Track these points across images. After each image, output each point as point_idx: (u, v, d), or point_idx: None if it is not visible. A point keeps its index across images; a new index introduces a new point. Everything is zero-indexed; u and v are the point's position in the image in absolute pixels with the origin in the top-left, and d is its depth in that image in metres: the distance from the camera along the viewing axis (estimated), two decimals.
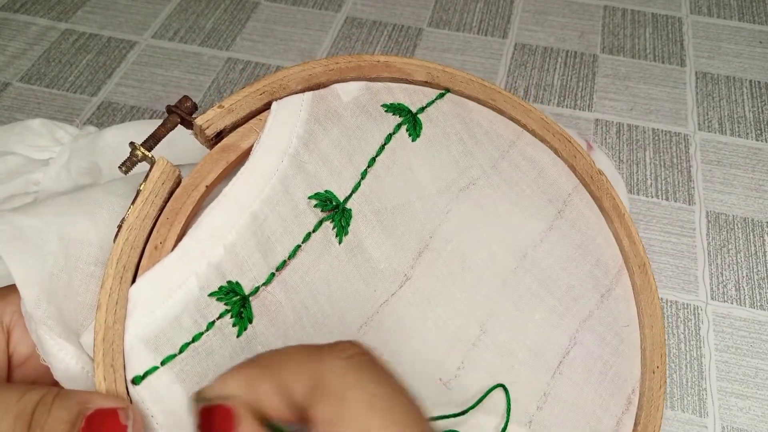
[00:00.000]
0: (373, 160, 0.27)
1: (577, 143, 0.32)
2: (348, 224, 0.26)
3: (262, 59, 0.51)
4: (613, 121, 0.46)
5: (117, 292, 0.22)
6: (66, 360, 0.22)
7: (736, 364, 0.35)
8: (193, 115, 0.25)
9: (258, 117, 0.26)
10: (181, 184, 0.24)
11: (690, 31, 0.52)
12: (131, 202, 0.23)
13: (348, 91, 0.28)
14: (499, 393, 0.27)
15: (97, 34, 0.52)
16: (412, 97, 0.29)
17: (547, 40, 0.52)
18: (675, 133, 0.45)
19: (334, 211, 0.26)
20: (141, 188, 0.23)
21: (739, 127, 0.46)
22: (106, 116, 0.47)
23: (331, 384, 0.18)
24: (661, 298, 0.37)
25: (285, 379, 0.18)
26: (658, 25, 0.53)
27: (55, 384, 0.22)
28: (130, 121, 0.48)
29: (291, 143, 0.26)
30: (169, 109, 0.25)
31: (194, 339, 0.22)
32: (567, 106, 0.47)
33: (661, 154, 0.44)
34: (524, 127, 0.31)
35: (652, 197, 0.42)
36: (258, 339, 0.24)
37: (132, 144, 0.24)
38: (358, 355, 0.18)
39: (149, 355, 0.22)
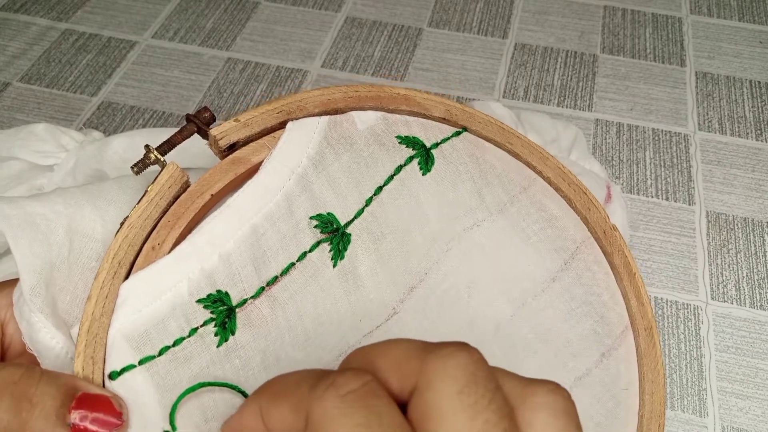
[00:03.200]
0: (380, 188, 0.27)
1: (593, 196, 0.31)
2: (345, 249, 0.26)
3: (262, 59, 0.51)
4: (613, 121, 0.46)
5: (108, 286, 0.22)
6: (56, 350, 0.23)
7: (736, 364, 0.35)
8: (210, 126, 0.26)
9: (272, 134, 0.26)
10: (188, 190, 0.24)
11: (690, 31, 0.52)
12: (137, 201, 0.23)
13: (365, 119, 0.28)
14: None
15: (97, 34, 0.52)
16: (428, 132, 0.29)
17: (547, 40, 0.52)
18: (675, 133, 0.45)
19: (334, 234, 0.26)
20: (149, 189, 0.24)
21: (739, 127, 0.46)
22: (106, 116, 0.47)
23: (323, 421, 0.16)
24: (662, 298, 0.37)
25: (284, 409, 0.18)
26: (658, 25, 0.53)
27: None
28: (129, 121, 0.48)
29: (301, 163, 0.26)
30: (188, 118, 0.26)
31: (175, 343, 0.23)
32: (567, 106, 0.47)
33: (661, 154, 0.44)
34: (539, 173, 0.31)
35: (652, 197, 0.42)
36: (237, 352, 0.24)
37: (147, 147, 0.24)
38: (352, 393, 0.16)
39: (129, 352, 0.22)
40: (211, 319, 0.23)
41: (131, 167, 0.25)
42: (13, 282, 0.24)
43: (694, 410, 0.33)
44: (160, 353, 0.22)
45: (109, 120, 0.46)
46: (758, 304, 0.37)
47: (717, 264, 0.39)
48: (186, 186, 0.25)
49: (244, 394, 0.24)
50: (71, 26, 0.53)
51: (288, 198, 0.26)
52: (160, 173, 0.24)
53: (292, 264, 0.25)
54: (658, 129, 0.46)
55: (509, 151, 0.31)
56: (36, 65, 0.50)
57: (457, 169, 0.29)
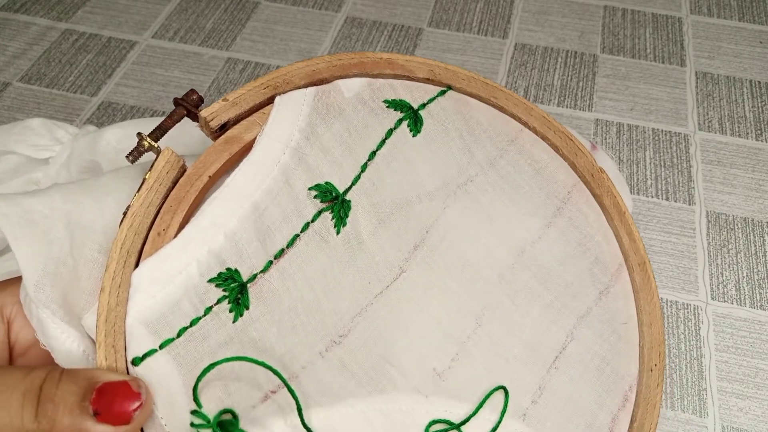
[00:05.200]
0: (374, 153, 0.28)
1: (579, 141, 0.32)
2: (347, 215, 0.27)
3: (262, 59, 0.51)
4: (613, 121, 0.46)
5: (120, 276, 0.23)
6: (68, 343, 0.23)
7: (736, 364, 0.35)
8: (199, 108, 0.26)
9: (261, 110, 0.26)
10: (185, 174, 0.25)
11: (690, 31, 0.52)
12: (137, 190, 0.24)
13: (350, 86, 0.28)
14: (488, 384, 0.27)
15: (97, 34, 0.52)
16: (413, 93, 0.29)
17: (547, 40, 0.52)
18: (675, 133, 0.45)
19: (334, 202, 0.27)
20: (146, 177, 0.24)
21: (739, 127, 0.46)
22: (106, 116, 0.47)
23: None
24: (661, 298, 0.37)
25: None
26: (658, 25, 0.53)
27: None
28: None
29: (293, 136, 0.26)
30: (176, 102, 0.26)
31: (192, 324, 0.23)
32: (567, 106, 0.47)
33: (662, 154, 0.44)
34: (525, 124, 0.32)
35: (652, 197, 0.42)
36: (253, 325, 0.24)
37: (139, 134, 0.25)
38: None
39: (149, 338, 0.22)
40: (225, 297, 0.24)
41: (126, 156, 0.25)
42: (18, 279, 0.24)
43: (694, 410, 0.33)
44: (179, 335, 0.23)
45: (110, 120, 0.46)
46: (758, 304, 0.37)
47: (717, 264, 0.39)
48: (183, 170, 0.25)
49: (261, 364, 0.24)
50: (71, 26, 0.53)
51: (285, 172, 0.26)
52: (156, 160, 0.24)
53: (297, 235, 0.26)
54: (658, 129, 0.45)
55: (494, 105, 0.31)
56: (36, 65, 0.50)
57: (446, 128, 0.30)
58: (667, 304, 0.37)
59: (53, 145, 0.36)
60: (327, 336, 0.25)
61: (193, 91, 0.26)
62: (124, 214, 0.24)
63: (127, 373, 0.22)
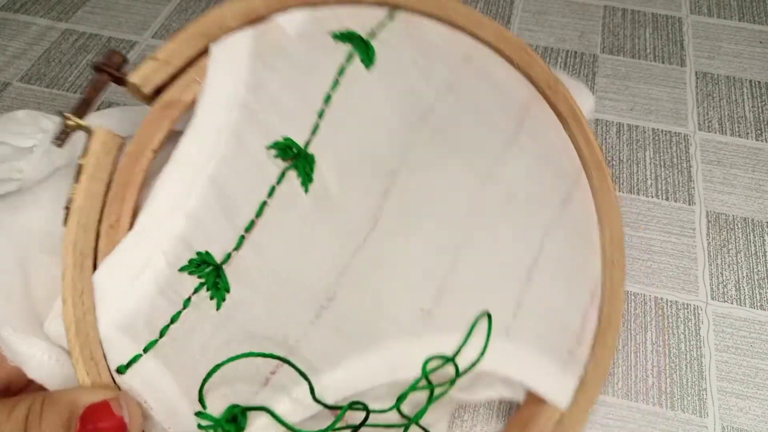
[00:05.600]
0: (329, 96, 0.25)
1: (532, 52, 0.31)
2: (312, 171, 0.24)
3: None
4: (613, 121, 0.46)
5: (80, 282, 0.20)
6: (38, 356, 0.22)
7: (736, 364, 0.35)
8: (125, 70, 0.23)
9: (198, 64, 0.23)
10: (125, 153, 0.22)
11: (690, 31, 0.52)
12: (74, 179, 0.21)
13: (292, 22, 0.25)
14: (473, 312, 0.27)
15: (97, 34, 0.52)
16: (361, 21, 0.27)
17: (547, 40, 0.52)
18: (675, 133, 0.45)
19: (296, 158, 0.24)
20: (82, 162, 0.21)
21: (739, 127, 0.46)
22: None
23: None
24: (661, 298, 0.37)
25: None
26: (658, 25, 0.53)
27: (30, 382, 0.22)
28: None
29: (238, 90, 0.23)
30: (97, 67, 0.23)
31: (173, 320, 0.22)
32: None
33: (661, 154, 0.44)
34: (479, 39, 0.30)
35: (652, 197, 0.42)
36: (238, 308, 0.23)
37: (61, 113, 0.22)
38: None
39: (130, 344, 0.21)
40: (202, 285, 0.22)
41: (51, 141, 0.22)
42: None
43: (694, 410, 0.33)
44: (162, 334, 0.21)
45: None
46: (758, 304, 0.37)
47: (717, 264, 0.39)
48: (121, 147, 0.22)
49: (262, 355, 0.23)
50: (71, 26, 0.53)
51: (237, 134, 0.23)
52: (89, 142, 0.21)
53: (264, 202, 0.23)
54: (658, 129, 0.45)
55: (448, 22, 0.29)
56: (36, 65, 0.50)
57: (400, 57, 0.28)
58: (667, 304, 0.37)
59: (37, 134, 0.36)
60: (315, 303, 0.24)
61: (114, 51, 0.23)
62: (67, 209, 0.21)
63: (114, 382, 0.21)
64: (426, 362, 0.26)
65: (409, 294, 0.26)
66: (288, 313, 0.24)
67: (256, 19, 0.24)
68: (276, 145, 0.24)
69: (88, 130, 0.21)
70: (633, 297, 0.37)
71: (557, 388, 0.28)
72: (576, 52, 0.51)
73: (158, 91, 0.23)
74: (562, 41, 0.52)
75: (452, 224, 0.28)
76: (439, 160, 0.28)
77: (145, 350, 0.21)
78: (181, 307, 0.22)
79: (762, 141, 0.45)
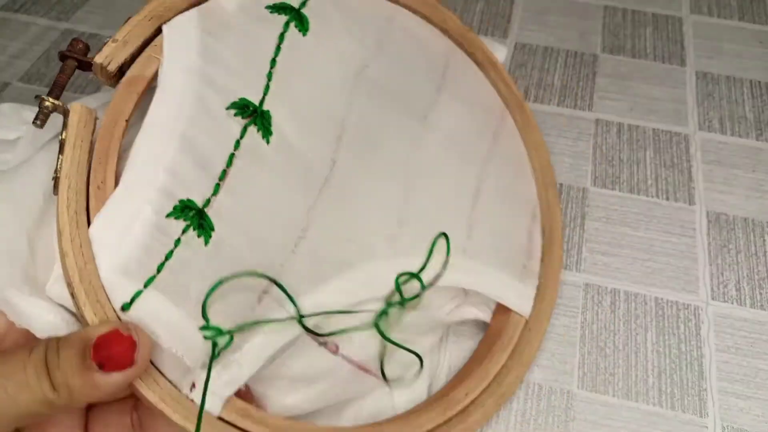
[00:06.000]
0: (274, 60, 0.29)
1: (445, 9, 0.36)
2: (270, 125, 0.28)
3: None
4: (613, 121, 0.46)
5: (77, 236, 0.23)
6: (44, 315, 0.23)
7: (736, 364, 0.35)
8: (87, 56, 0.26)
9: (153, 43, 0.26)
10: (102, 125, 0.25)
11: (690, 31, 0.52)
12: (58, 152, 0.24)
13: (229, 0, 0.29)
14: (431, 235, 0.31)
15: (97, 34, 0.52)
16: None
17: (547, 40, 0.52)
18: (675, 133, 0.45)
19: (254, 115, 0.27)
20: (63, 137, 0.24)
21: (739, 127, 0.46)
22: None
23: None
24: (661, 298, 0.37)
25: None
26: (659, 25, 0.53)
27: None
28: None
29: (194, 61, 0.27)
30: (63, 55, 0.26)
31: (167, 257, 0.24)
32: (567, 106, 0.47)
33: (662, 154, 0.44)
34: (397, 1, 0.35)
35: (653, 197, 0.42)
36: (224, 244, 0.25)
37: (38, 97, 0.25)
38: None
39: (130, 283, 0.23)
40: (188, 226, 0.25)
41: (33, 122, 0.25)
42: None
43: (694, 410, 0.33)
44: (159, 270, 0.23)
45: None
46: (759, 304, 0.37)
47: (717, 264, 0.39)
48: (95, 120, 0.25)
49: (252, 274, 0.26)
50: (71, 26, 0.53)
51: (198, 97, 0.26)
52: (67, 118, 0.24)
53: (232, 154, 0.26)
54: (658, 129, 0.45)
55: None
56: (36, 65, 0.50)
57: (330, 23, 0.32)
58: (667, 304, 0.37)
59: (20, 126, 0.37)
60: (292, 234, 0.28)
61: (77, 40, 0.26)
62: (54, 179, 0.23)
63: (120, 321, 0.22)
64: (397, 279, 0.29)
65: (373, 223, 0.30)
66: (269, 244, 0.27)
67: (200, 1, 0.28)
68: (234, 105, 0.27)
69: (64, 109, 0.24)
70: (633, 297, 0.37)
71: (518, 298, 0.33)
72: (576, 52, 0.51)
73: (121, 71, 0.26)
74: (562, 41, 0.52)
75: (400, 161, 0.32)
76: (381, 107, 0.32)
77: (146, 285, 0.23)
78: (173, 246, 0.24)
79: (762, 141, 0.45)
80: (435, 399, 0.30)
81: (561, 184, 0.42)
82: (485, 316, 0.33)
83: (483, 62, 0.37)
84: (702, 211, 0.41)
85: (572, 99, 0.47)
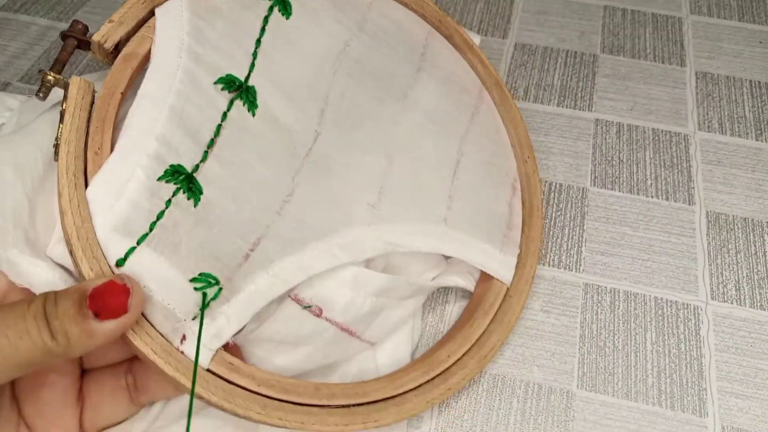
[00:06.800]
0: (259, 41, 0.31)
1: None
2: (255, 99, 0.30)
3: None
4: (613, 121, 0.46)
5: (75, 197, 0.24)
6: (43, 275, 0.25)
7: (736, 364, 0.35)
8: (86, 35, 0.28)
9: (147, 24, 0.29)
10: (99, 96, 0.27)
11: (690, 31, 0.52)
12: (59, 121, 0.26)
13: None
14: (411, 205, 0.33)
15: None
16: None
17: (547, 40, 0.52)
18: (675, 133, 0.45)
19: (240, 90, 0.30)
20: (63, 107, 0.26)
21: (739, 127, 0.46)
22: None
23: None
24: (661, 298, 0.37)
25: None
26: (658, 25, 0.53)
27: None
28: None
29: (184, 40, 0.29)
30: (64, 35, 0.28)
31: (159, 217, 0.26)
32: (567, 106, 0.47)
33: (661, 154, 0.44)
34: None
35: (652, 197, 0.42)
36: (213, 204, 0.27)
37: (41, 71, 0.27)
38: None
39: (124, 240, 0.25)
40: (178, 189, 0.26)
41: (35, 94, 0.27)
42: None
43: (694, 410, 0.33)
44: (151, 228, 0.25)
45: None
46: (758, 304, 0.37)
47: (717, 264, 0.39)
48: (94, 92, 0.27)
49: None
50: None
51: (188, 73, 0.28)
52: (67, 91, 0.26)
53: (220, 125, 0.29)
54: (658, 129, 0.45)
55: None
56: (36, 65, 0.50)
57: (311, 7, 0.34)
58: (667, 304, 0.37)
59: (4, 112, 0.38)
60: (277, 197, 0.29)
61: (76, 21, 0.29)
62: (55, 146, 0.25)
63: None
64: None
65: (356, 192, 0.32)
66: (256, 207, 0.28)
67: None
68: (221, 80, 0.29)
69: (65, 83, 0.27)
70: (633, 297, 0.37)
71: (500, 266, 0.34)
72: (576, 52, 0.51)
73: (117, 48, 0.28)
74: (562, 41, 0.52)
75: (381, 135, 0.34)
76: (362, 85, 0.34)
77: (139, 242, 0.25)
78: (164, 206, 0.26)
79: (762, 141, 0.45)
80: (418, 360, 0.31)
81: (561, 184, 0.42)
82: (468, 284, 0.35)
83: (460, 44, 0.39)
84: (701, 211, 0.41)
85: (572, 99, 0.47)
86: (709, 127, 0.46)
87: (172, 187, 0.26)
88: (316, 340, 0.30)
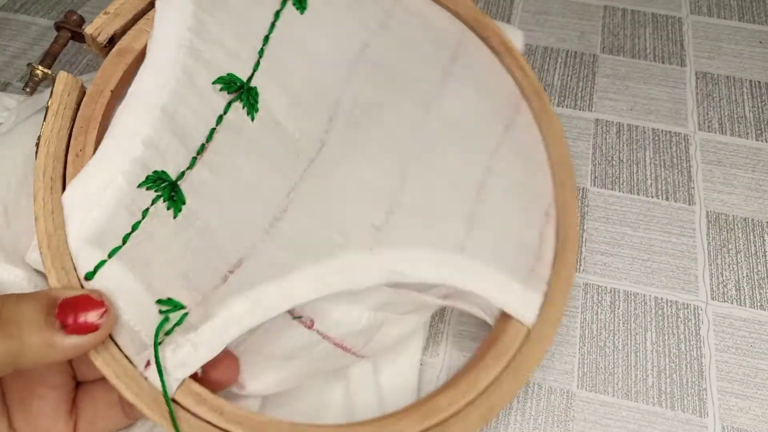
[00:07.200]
0: (267, 38, 0.28)
1: None
2: (256, 102, 0.27)
3: None
4: (613, 121, 0.46)
5: (50, 202, 0.23)
6: (19, 283, 0.24)
7: (736, 364, 0.35)
8: (82, 28, 0.26)
9: (145, 17, 0.27)
10: (87, 93, 0.25)
11: (690, 31, 0.52)
12: (43, 119, 0.24)
13: None
14: (423, 228, 0.29)
15: None
16: None
17: (547, 40, 0.52)
18: (675, 133, 0.45)
19: (240, 91, 0.27)
20: (49, 104, 0.24)
21: (739, 127, 0.46)
22: None
23: None
24: (661, 298, 0.37)
25: None
26: (658, 25, 0.53)
27: None
28: None
29: (184, 35, 0.26)
30: (58, 26, 0.26)
31: (133, 228, 0.24)
32: (567, 106, 0.47)
33: (661, 154, 0.44)
34: None
35: (652, 197, 0.42)
36: (195, 216, 0.25)
37: (30, 65, 0.26)
38: None
39: (95, 252, 0.23)
40: (158, 197, 0.24)
41: (23, 88, 0.26)
42: None
43: (694, 410, 0.33)
44: (124, 241, 0.23)
45: None
46: (758, 304, 0.37)
47: (717, 264, 0.39)
48: (83, 90, 0.25)
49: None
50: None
51: (185, 71, 0.26)
52: (53, 86, 0.24)
53: (213, 129, 0.26)
54: (658, 129, 0.46)
55: None
56: None
57: (331, 1, 0.31)
58: (667, 304, 0.37)
59: (2, 112, 0.37)
60: (268, 214, 0.26)
61: (72, 11, 0.27)
62: (37, 145, 0.24)
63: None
64: None
65: (359, 211, 0.28)
66: (243, 222, 0.26)
67: None
68: (220, 80, 0.27)
69: (53, 77, 0.25)
70: (633, 297, 0.37)
71: (521, 304, 0.29)
72: (576, 52, 0.51)
73: (111, 41, 0.26)
74: (562, 41, 0.52)
75: (397, 147, 0.30)
76: (380, 90, 0.31)
77: (110, 255, 0.23)
78: (141, 217, 0.24)
79: (762, 141, 0.45)
80: (413, 406, 0.27)
81: None
82: (485, 315, 0.30)
83: (497, 47, 0.34)
84: (702, 211, 0.41)
85: (572, 99, 0.47)
86: (709, 127, 0.46)
87: (151, 194, 0.24)
88: (308, 354, 0.27)
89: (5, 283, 0.24)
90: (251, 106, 0.27)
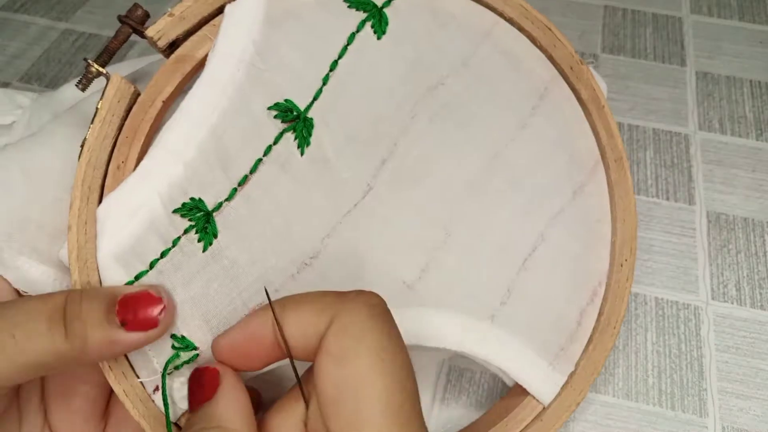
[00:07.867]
0: (336, 63, 0.26)
1: (558, 31, 0.29)
2: (310, 135, 0.25)
3: None
4: None
5: (85, 213, 0.23)
6: (50, 282, 0.24)
7: (736, 364, 0.35)
8: (145, 25, 0.24)
9: (212, 23, 0.25)
10: (138, 101, 0.24)
11: (690, 31, 0.52)
12: (91, 121, 0.23)
13: None
14: (457, 292, 0.27)
15: (97, 34, 0.52)
16: None
17: None
18: (675, 133, 0.45)
19: (295, 121, 0.25)
20: (98, 106, 0.23)
21: (739, 127, 0.46)
22: None
23: (352, 323, 0.19)
24: (661, 298, 0.37)
25: (306, 312, 0.20)
26: (659, 25, 0.53)
27: None
28: None
29: (247, 50, 0.24)
30: (121, 20, 0.25)
31: (162, 255, 0.23)
32: None
33: (662, 154, 0.44)
34: (501, 15, 0.29)
35: (653, 197, 0.42)
36: (223, 253, 0.24)
37: (85, 60, 0.24)
38: (379, 306, 0.20)
39: (121, 271, 0.23)
40: (192, 227, 0.24)
41: (75, 84, 0.25)
42: None
43: (694, 410, 0.33)
44: (151, 267, 0.23)
45: None
46: (759, 304, 0.37)
47: (717, 264, 0.39)
48: (136, 96, 0.24)
49: None
50: (71, 26, 0.53)
51: (241, 91, 0.24)
52: (105, 88, 0.23)
53: (260, 160, 0.25)
54: (658, 129, 0.45)
55: None
56: (36, 65, 0.50)
57: (414, 27, 0.27)
58: (667, 304, 0.37)
59: (15, 110, 0.37)
60: (298, 258, 0.25)
61: (137, 5, 0.25)
62: (82, 147, 0.23)
63: None
64: None
65: (393, 265, 0.27)
66: (271, 264, 0.25)
67: None
68: (277, 106, 0.25)
69: (107, 77, 0.24)
70: (633, 297, 0.37)
71: (542, 382, 0.28)
72: (576, 52, 0.51)
73: (173, 45, 0.24)
74: None
75: (448, 201, 0.28)
76: (444, 135, 0.28)
77: (136, 278, 0.23)
78: (171, 245, 0.23)
79: (762, 141, 0.45)
80: None
81: None
82: (503, 375, 0.29)
83: (587, 101, 0.30)
84: (702, 211, 0.41)
85: None
86: (709, 127, 0.46)
87: (185, 223, 0.23)
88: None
89: (39, 283, 0.24)
90: (303, 139, 0.25)
